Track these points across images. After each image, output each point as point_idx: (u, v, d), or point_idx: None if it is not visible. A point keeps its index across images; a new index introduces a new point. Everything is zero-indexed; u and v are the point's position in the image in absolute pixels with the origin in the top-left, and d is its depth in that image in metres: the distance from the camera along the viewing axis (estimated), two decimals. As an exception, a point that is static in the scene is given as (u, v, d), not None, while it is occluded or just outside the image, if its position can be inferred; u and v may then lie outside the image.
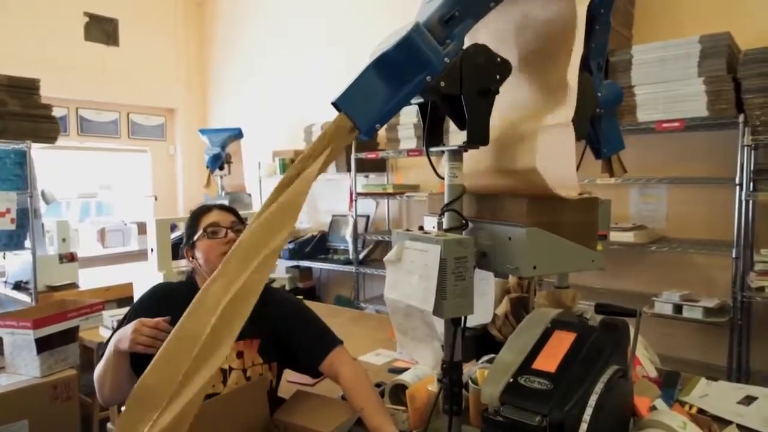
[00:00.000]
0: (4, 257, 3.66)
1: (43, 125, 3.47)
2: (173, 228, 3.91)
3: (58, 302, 3.38)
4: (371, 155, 3.91)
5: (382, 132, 3.77)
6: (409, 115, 3.55)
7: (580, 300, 1.51)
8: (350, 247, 4.10)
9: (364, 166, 4.13)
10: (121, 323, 1.52)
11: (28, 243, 3.40)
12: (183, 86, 6.00)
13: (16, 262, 3.71)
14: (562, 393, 1.02)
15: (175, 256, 2.89)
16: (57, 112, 3.68)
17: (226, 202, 4.35)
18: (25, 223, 3.35)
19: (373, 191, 4.09)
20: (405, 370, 1.56)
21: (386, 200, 4.28)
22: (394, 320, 1.20)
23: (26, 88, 3.45)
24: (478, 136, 1.11)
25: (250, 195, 4.84)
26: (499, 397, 1.06)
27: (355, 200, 4.03)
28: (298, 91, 5.06)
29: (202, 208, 1.65)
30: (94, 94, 5.26)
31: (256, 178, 4.97)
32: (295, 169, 1.06)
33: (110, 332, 1.69)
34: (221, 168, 4.59)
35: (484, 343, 1.65)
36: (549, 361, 1.10)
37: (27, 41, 4.72)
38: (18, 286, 3.69)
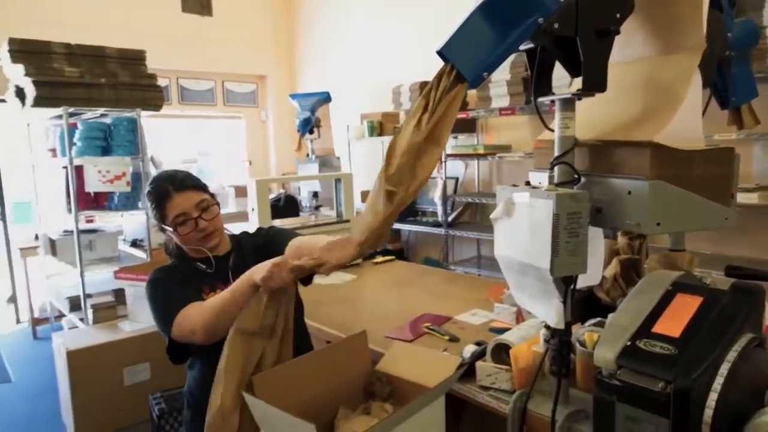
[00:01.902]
0: (122, 217, 3.99)
1: (150, 94, 3.69)
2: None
3: (169, 259, 3.66)
4: (461, 115, 3.81)
5: (472, 90, 3.65)
6: (501, 71, 3.40)
7: (696, 266, 1.39)
8: (439, 210, 4.06)
9: (453, 127, 4.03)
10: (161, 311, 1.43)
11: (141, 204, 3.68)
12: (273, 53, 6.14)
13: (132, 222, 4.04)
14: (689, 359, 0.94)
15: (274, 215, 3.04)
16: (160, 82, 3.89)
17: (316, 165, 4.48)
18: (138, 185, 3.62)
19: (462, 152, 4.00)
20: (505, 330, 1.52)
21: (476, 161, 4.18)
22: (509, 277, 1.17)
23: (134, 59, 3.68)
24: (595, 83, 1.02)
25: (338, 158, 4.91)
26: (615, 360, 1.01)
27: (444, 162, 3.97)
28: (385, 53, 5.00)
29: (161, 190, 1.46)
30: (191, 64, 5.52)
31: (345, 141, 5.03)
32: (407, 133, 1.05)
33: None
34: (311, 132, 4.68)
35: (589, 305, 1.57)
36: (672, 325, 1.02)
37: (131, 15, 5.01)
38: (134, 243, 4.03)
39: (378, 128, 4.57)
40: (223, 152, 6.16)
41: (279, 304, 1.30)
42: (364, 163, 5.00)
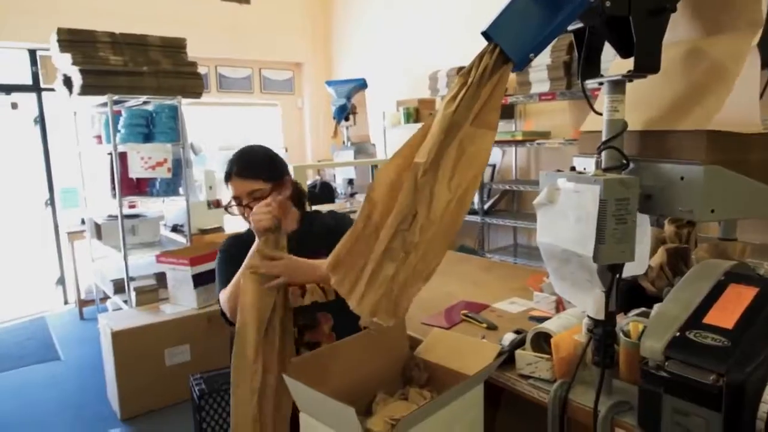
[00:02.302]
0: (163, 203, 4.10)
1: (191, 81, 3.75)
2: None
3: (208, 243, 3.75)
4: (499, 101, 3.74)
5: (511, 75, 3.57)
6: (542, 56, 3.31)
7: (748, 255, 1.33)
8: (475, 197, 4.02)
9: (490, 113, 3.97)
10: (216, 284, 1.65)
11: (182, 190, 3.77)
12: (309, 40, 6.15)
13: (173, 208, 4.14)
14: (743, 352, 0.90)
15: (310, 201, 3.05)
16: (200, 70, 3.95)
17: (351, 152, 4.47)
18: (179, 172, 3.70)
19: (500, 138, 3.93)
20: (545, 319, 1.50)
21: (514, 148, 4.10)
22: (550, 265, 1.14)
23: (175, 47, 3.75)
24: (648, 64, 0.98)
25: (374, 145, 4.90)
26: (662, 352, 0.98)
27: (481, 148, 3.90)
28: (422, 38, 4.95)
29: (227, 170, 1.57)
30: (229, 52, 5.58)
31: (381, 128, 5.02)
32: (444, 118, 1.01)
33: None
34: (347, 119, 4.68)
35: (633, 295, 1.53)
36: (724, 316, 0.98)
37: (171, 4, 5.09)
38: (175, 228, 4.14)
39: (414, 115, 4.54)
40: (260, 139, 6.23)
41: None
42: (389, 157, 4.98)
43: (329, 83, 4.82)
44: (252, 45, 5.67)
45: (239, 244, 1.60)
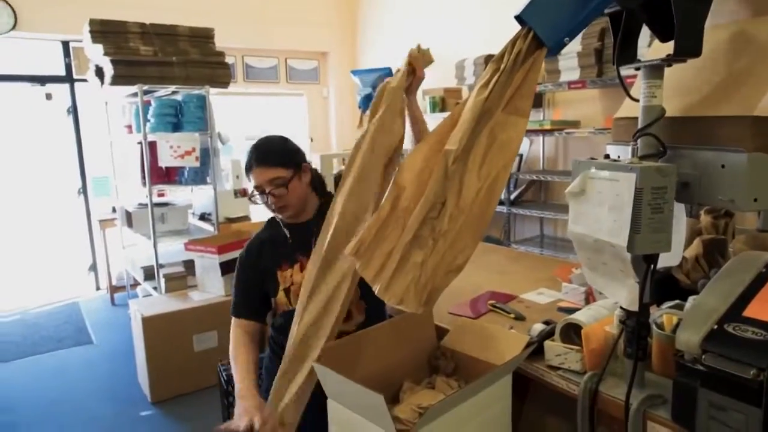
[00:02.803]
0: (191, 191, 4.16)
1: (218, 71, 3.78)
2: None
3: (235, 232, 3.80)
4: (527, 89, 3.67)
5: (539, 63, 3.51)
6: (572, 42, 3.23)
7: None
8: (501, 187, 3.97)
9: (517, 102, 3.91)
10: (238, 271, 1.66)
11: (209, 179, 3.81)
12: (335, 29, 6.14)
13: (201, 196, 4.20)
14: (786, 346, 0.87)
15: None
16: (226, 60, 3.97)
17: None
18: (206, 161, 3.74)
19: (527, 128, 3.86)
20: (574, 310, 1.47)
21: (541, 137, 4.04)
22: (582, 255, 1.12)
23: (203, 37, 3.78)
24: (690, 47, 0.95)
25: (399, 135, 4.88)
26: (699, 345, 0.95)
27: (508, 138, 3.85)
28: (449, 26, 4.89)
29: (248, 160, 1.59)
30: (256, 42, 5.60)
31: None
32: (475, 105, 1.00)
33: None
34: (372, 108, 4.66)
35: (666, 287, 1.49)
36: (765, 309, 0.95)
37: (199, -6, 5.12)
38: (203, 216, 4.20)
39: (440, 104, 4.50)
40: (286, 129, 6.27)
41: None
42: (418, 143, 4.94)
43: (354, 72, 4.78)
44: (278, 35, 5.68)
45: (257, 246, 1.65)
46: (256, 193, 1.57)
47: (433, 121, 5.01)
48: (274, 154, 1.57)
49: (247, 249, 1.67)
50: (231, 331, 1.62)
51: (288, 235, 1.62)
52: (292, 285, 1.56)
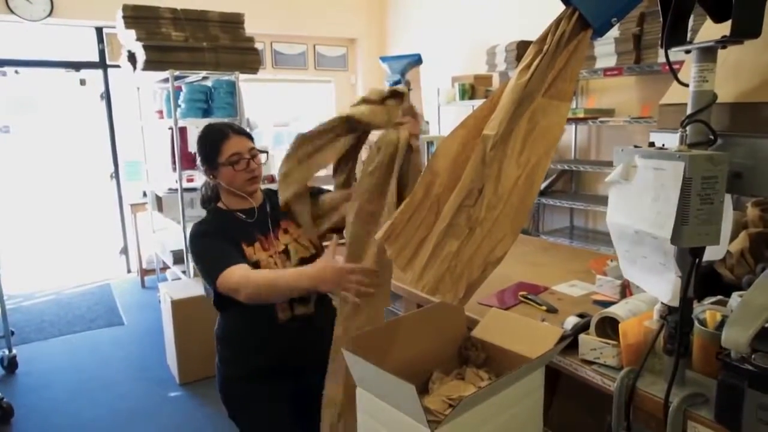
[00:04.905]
0: (220, 177, 4.18)
1: (248, 57, 3.78)
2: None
3: (263, 218, 3.80)
4: (560, 77, 3.58)
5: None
6: (609, 28, 3.14)
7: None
8: (532, 177, 3.90)
9: (550, 90, 3.81)
10: (207, 266, 1.51)
11: (238, 165, 3.82)
12: (364, 16, 6.08)
13: (229, 182, 4.22)
14: (844, 347, 0.82)
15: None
16: (256, 46, 3.97)
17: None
18: (235, 147, 3.76)
19: (561, 116, 3.78)
20: (610, 303, 1.43)
21: (573, 126, 3.94)
22: (620, 247, 1.08)
23: (233, 22, 3.78)
24: (748, 28, 0.89)
25: (428, 122, 4.83)
26: (748, 343, 0.91)
27: (539, 126, 3.76)
28: (480, 12, 4.79)
29: (218, 133, 1.60)
30: (285, 28, 5.59)
31: (435, 105, 4.93)
32: (518, 87, 0.95)
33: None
34: (401, 95, 4.61)
35: (708, 282, 1.43)
36: (822, 307, 0.90)
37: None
38: (231, 202, 4.22)
39: (470, 91, 4.43)
40: (314, 116, 6.27)
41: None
42: (453, 128, 4.89)
43: (383, 59, 4.75)
44: (307, 21, 5.66)
45: (213, 225, 1.61)
46: (235, 159, 1.57)
47: (462, 109, 4.92)
48: (244, 130, 1.68)
49: (204, 226, 1.61)
50: (229, 281, 1.43)
51: (245, 217, 1.62)
52: (260, 262, 1.54)
